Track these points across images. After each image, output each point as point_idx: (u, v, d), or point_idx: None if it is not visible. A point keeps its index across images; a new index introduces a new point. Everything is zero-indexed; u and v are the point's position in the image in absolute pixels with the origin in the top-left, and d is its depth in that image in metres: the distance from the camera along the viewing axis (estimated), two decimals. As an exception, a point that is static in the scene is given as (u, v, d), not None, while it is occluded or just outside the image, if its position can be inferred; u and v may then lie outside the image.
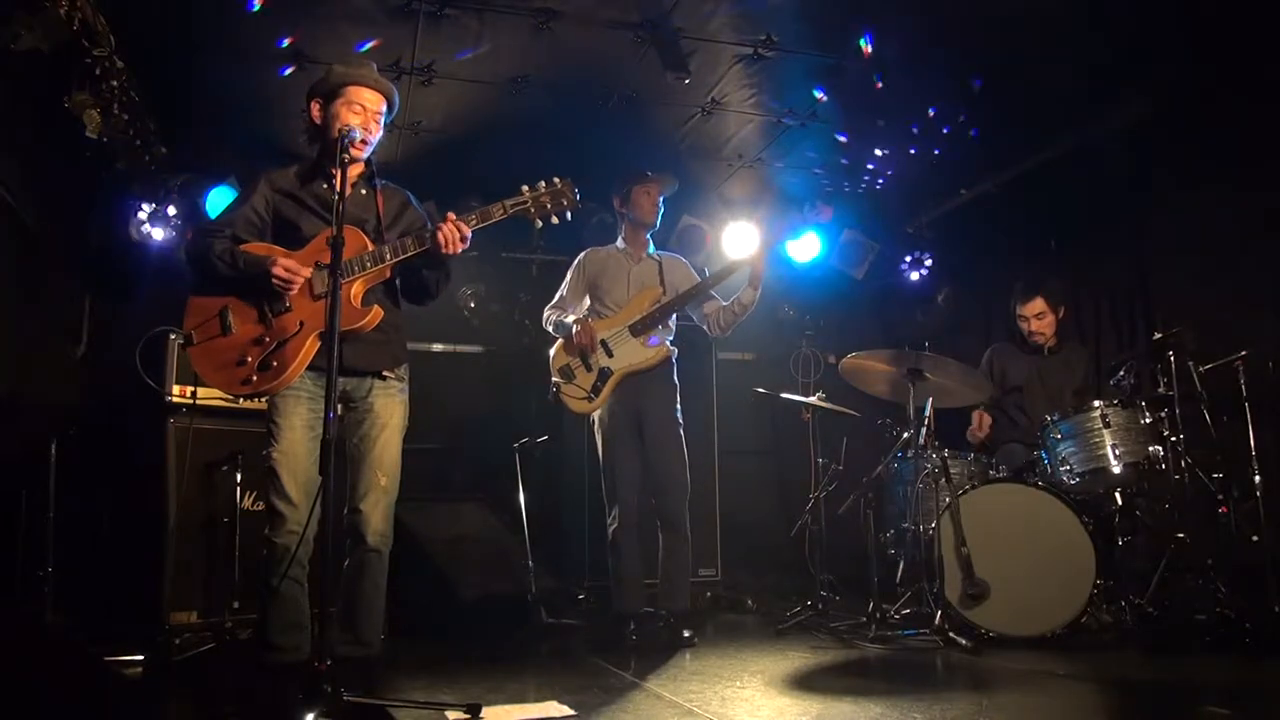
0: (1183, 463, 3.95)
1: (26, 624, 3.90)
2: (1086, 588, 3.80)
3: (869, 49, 4.40)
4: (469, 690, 3.01)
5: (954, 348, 4.65)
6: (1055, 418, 4.22)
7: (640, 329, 4.14)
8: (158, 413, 4.04)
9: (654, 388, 4.16)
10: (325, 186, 2.99)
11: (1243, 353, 3.96)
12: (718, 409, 5.93)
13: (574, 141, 5.16)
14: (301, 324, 2.85)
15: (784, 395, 5.05)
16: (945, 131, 5.12)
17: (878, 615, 4.10)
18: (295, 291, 2.86)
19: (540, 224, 3.03)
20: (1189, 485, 3.95)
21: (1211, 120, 4.64)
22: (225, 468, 4.10)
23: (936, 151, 5.34)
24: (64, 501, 4.04)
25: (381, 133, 3.06)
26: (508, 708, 2.78)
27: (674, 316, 4.29)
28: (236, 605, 3.97)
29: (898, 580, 4.67)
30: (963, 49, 4.44)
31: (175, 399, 4.06)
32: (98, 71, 3.96)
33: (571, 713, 2.72)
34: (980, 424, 4.85)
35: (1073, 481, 4.11)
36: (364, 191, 3.03)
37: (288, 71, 3.97)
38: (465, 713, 2.65)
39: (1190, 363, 4.02)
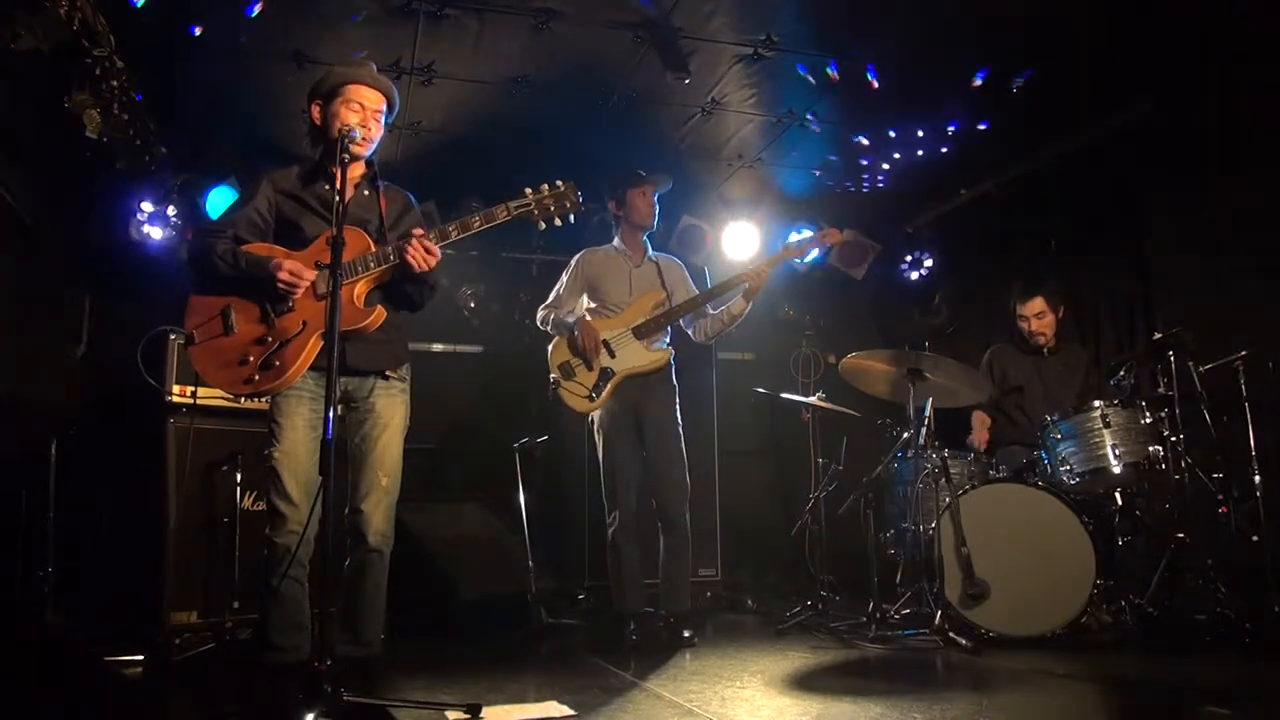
0: (1183, 463, 3.95)
1: (26, 624, 3.91)
2: (1086, 588, 3.80)
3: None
4: (469, 690, 3.02)
5: (954, 348, 4.67)
6: (1055, 418, 4.22)
7: (644, 332, 4.15)
8: (158, 413, 4.04)
9: (654, 389, 4.16)
10: (327, 187, 2.98)
11: (1243, 353, 3.96)
12: (718, 409, 5.93)
13: (574, 141, 5.16)
14: (304, 324, 2.85)
15: (784, 395, 5.06)
16: (953, 130, 5.12)
17: (878, 615, 4.10)
18: (300, 294, 2.86)
19: (543, 226, 3.04)
20: (1189, 485, 3.95)
21: (1211, 120, 4.64)
22: (225, 468, 4.10)
23: (945, 150, 5.34)
24: (64, 501, 4.05)
25: (383, 132, 3.06)
26: (508, 708, 2.78)
27: None
28: (236, 605, 3.97)
29: (898, 580, 4.67)
30: (963, 49, 4.44)
31: (175, 399, 4.05)
32: (98, 71, 3.95)
33: (571, 713, 2.72)
34: (980, 429, 4.85)
35: (1073, 481, 4.11)
36: (366, 192, 3.03)
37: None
38: (465, 713, 2.65)
39: (1190, 363, 4.02)
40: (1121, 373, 4.33)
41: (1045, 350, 4.79)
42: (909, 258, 6.39)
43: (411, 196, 3.20)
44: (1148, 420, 4.03)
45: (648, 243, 4.41)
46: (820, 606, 4.64)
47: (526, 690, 3.08)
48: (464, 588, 4.44)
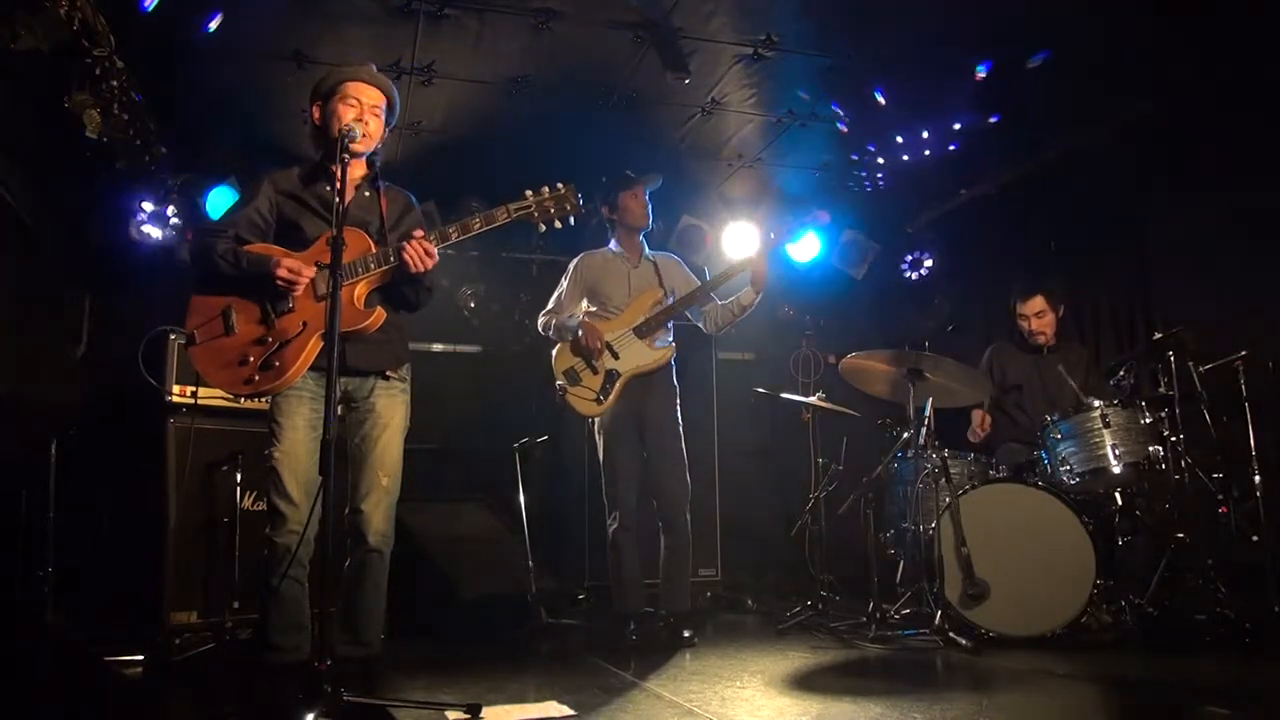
0: (1183, 463, 3.95)
1: (26, 624, 3.91)
2: (1086, 588, 3.80)
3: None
4: (469, 690, 3.02)
5: (954, 348, 4.66)
6: (1055, 418, 4.22)
7: (645, 331, 4.15)
8: (158, 413, 4.03)
9: (655, 389, 4.17)
10: (328, 188, 2.98)
11: (1243, 353, 3.96)
12: (718, 409, 5.94)
13: (574, 141, 5.16)
14: (304, 324, 2.85)
15: (784, 395, 5.05)
16: (957, 128, 5.12)
17: (878, 615, 4.10)
18: (299, 292, 2.86)
19: (544, 228, 3.04)
20: (1189, 485, 3.95)
21: (1211, 120, 4.64)
22: (225, 468, 4.09)
23: (952, 147, 5.34)
24: (64, 501, 4.05)
25: (384, 131, 3.06)
26: (508, 708, 2.78)
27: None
28: (236, 605, 3.96)
29: (898, 580, 4.67)
30: (963, 49, 4.44)
31: (176, 399, 4.04)
32: (98, 71, 3.95)
33: (571, 713, 2.72)
34: (981, 424, 4.85)
35: (1073, 481, 4.11)
36: (367, 193, 3.03)
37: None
38: (465, 713, 2.65)
39: (1190, 363, 4.02)
40: (1121, 373, 4.33)
41: (1045, 349, 4.79)
42: (909, 258, 6.40)
43: (413, 197, 3.19)
44: (1148, 420, 4.03)
45: (644, 242, 4.40)
46: (820, 606, 4.64)
47: (526, 690, 3.08)
48: (464, 588, 4.44)
